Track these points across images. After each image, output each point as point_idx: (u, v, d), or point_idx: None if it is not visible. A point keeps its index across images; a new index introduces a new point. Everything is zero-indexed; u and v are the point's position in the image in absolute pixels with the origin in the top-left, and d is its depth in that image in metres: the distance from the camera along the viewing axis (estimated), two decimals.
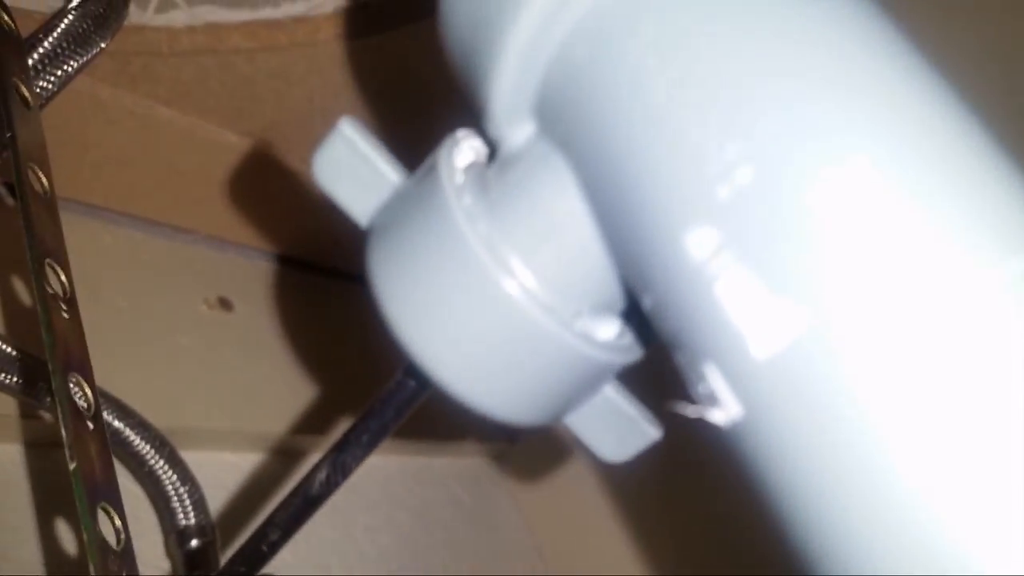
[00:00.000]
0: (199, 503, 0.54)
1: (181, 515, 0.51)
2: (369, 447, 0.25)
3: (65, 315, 0.33)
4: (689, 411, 0.18)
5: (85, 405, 0.32)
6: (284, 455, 0.72)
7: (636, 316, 0.23)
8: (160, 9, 0.64)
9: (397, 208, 0.23)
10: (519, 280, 0.21)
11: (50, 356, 0.32)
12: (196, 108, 0.68)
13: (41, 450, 0.59)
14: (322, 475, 0.26)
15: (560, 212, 0.21)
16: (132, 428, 0.53)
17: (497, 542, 0.89)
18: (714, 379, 0.17)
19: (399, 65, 0.70)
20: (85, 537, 0.29)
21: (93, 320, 0.52)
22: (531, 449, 0.93)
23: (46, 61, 0.45)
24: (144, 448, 0.52)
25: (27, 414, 0.57)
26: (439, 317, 0.21)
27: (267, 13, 0.68)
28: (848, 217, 0.16)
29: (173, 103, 0.67)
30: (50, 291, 0.33)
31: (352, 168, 0.23)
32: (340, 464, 0.25)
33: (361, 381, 0.79)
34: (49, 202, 0.36)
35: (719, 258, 0.17)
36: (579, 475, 0.90)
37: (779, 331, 0.16)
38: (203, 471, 0.58)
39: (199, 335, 0.71)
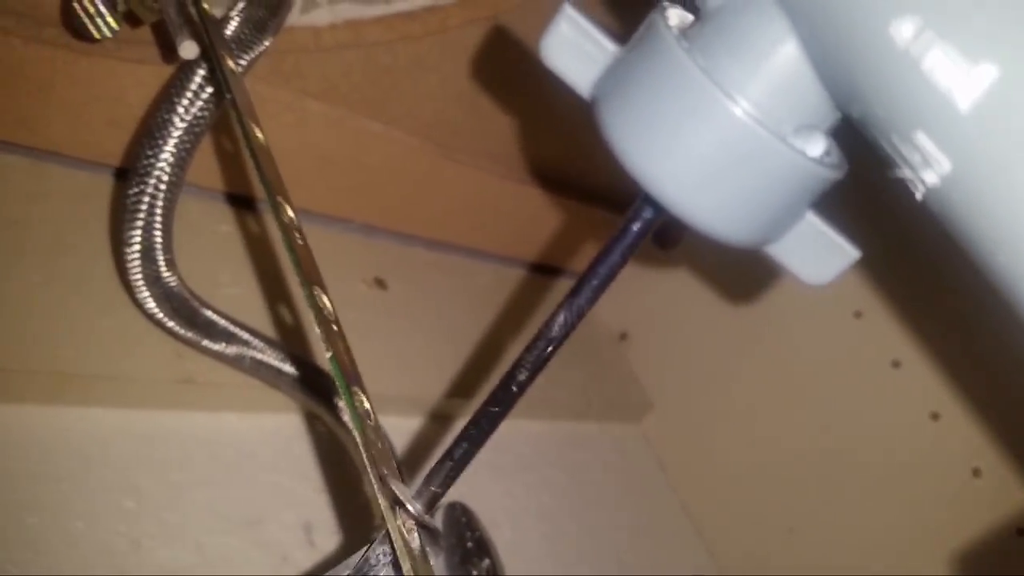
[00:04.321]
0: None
1: None
2: (600, 289, 0.29)
3: (300, 240, 0.38)
4: (906, 173, 0.21)
5: (329, 311, 0.36)
6: (436, 418, 0.77)
7: (837, 138, 0.26)
8: (304, 9, 0.70)
9: (621, 68, 0.27)
10: (740, 103, 0.24)
11: (298, 271, 0.36)
12: (344, 100, 0.74)
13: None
14: (560, 318, 0.29)
15: (769, 41, 0.25)
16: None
17: (644, 501, 0.92)
18: (924, 143, 0.21)
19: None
20: (348, 409, 0.34)
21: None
22: (669, 411, 0.96)
23: (234, 43, 0.50)
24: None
25: None
26: (670, 146, 0.25)
27: (400, 6, 0.74)
28: None
29: (322, 97, 0.73)
30: (286, 220, 0.38)
31: (575, 44, 0.27)
32: (576, 307, 0.29)
33: (503, 351, 0.84)
34: (267, 150, 0.41)
35: (921, 38, 0.21)
36: (717, 439, 0.93)
37: (978, 82, 0.20)
38: None
39: (359, 311, 0.77)
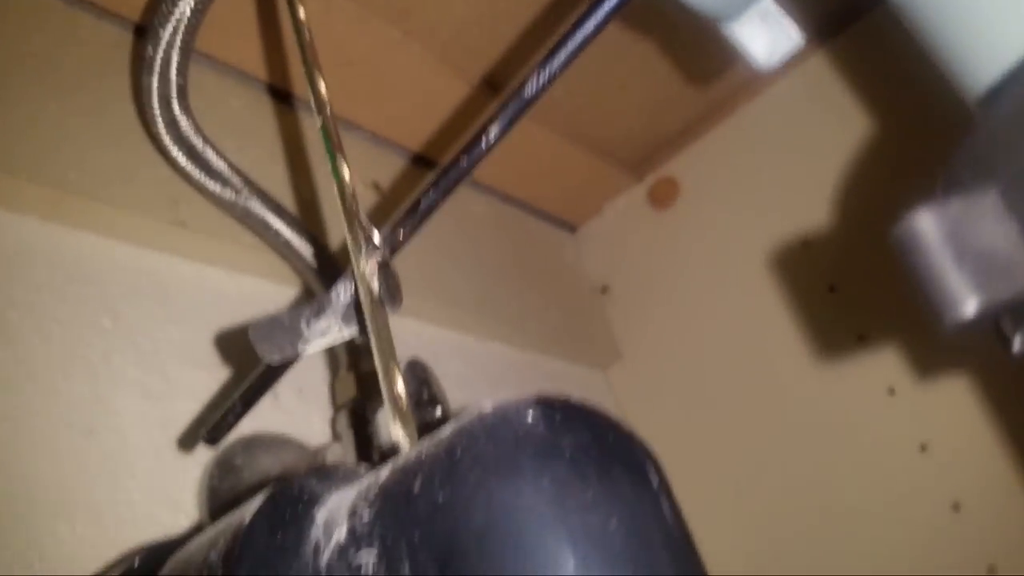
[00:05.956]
0: None
1: None
2: (572, 55, 0.31)
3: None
4: None
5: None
6: None
7: None
8: None
9: None
10: None
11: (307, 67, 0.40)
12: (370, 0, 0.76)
13: None
14: (533, 80, 0.32)
15: None
16: None
17: None
18: None
19: None
20: (332, 171, 0.37)
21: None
22: (636, 364, 0.99)
23: None
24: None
25: None
26: None
27: None
28: None
29: None
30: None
31: None
32: (548, 70, 0.32)
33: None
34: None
35: None
36: (678, 397, 0.95)
37: None
38: None
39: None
